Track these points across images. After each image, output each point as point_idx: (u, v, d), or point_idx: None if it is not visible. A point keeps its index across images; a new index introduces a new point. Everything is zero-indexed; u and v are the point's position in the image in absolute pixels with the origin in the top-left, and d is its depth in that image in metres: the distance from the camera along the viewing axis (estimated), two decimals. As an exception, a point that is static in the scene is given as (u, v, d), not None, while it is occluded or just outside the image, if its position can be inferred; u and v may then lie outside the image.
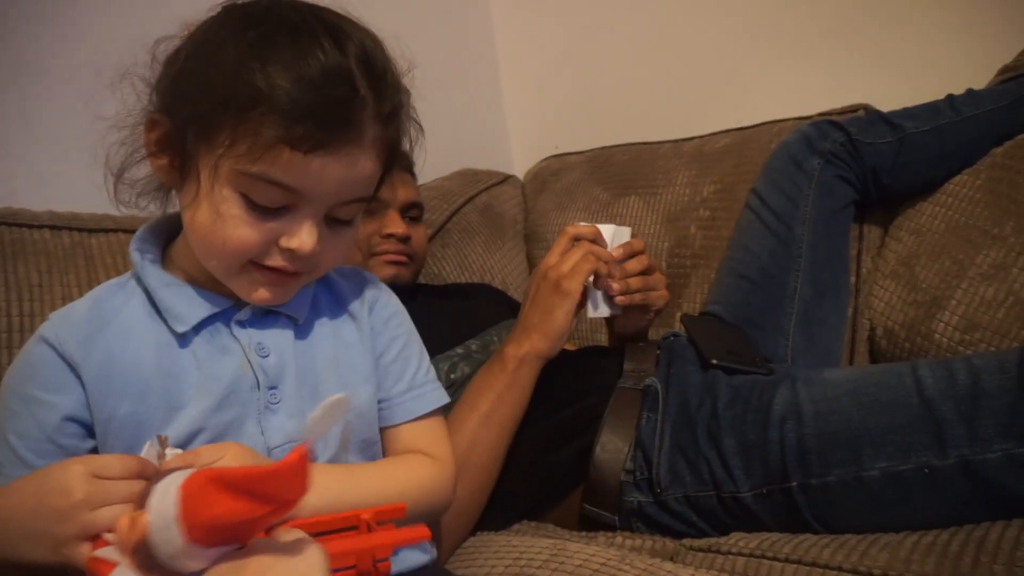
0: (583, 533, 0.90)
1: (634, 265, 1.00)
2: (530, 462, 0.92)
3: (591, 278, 0.95)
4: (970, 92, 1.16)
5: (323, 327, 0.68)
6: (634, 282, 0.98)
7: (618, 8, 1.68)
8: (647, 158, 1.51)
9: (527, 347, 0.90)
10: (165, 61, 0.61)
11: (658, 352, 1.02)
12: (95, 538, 0.50)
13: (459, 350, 1.02)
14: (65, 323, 0.62)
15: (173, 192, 0.65)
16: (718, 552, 0.76)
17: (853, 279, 1.20)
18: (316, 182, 0.58)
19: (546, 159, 1.75)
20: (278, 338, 0.65)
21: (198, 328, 0.63)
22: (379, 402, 0.70)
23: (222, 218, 0.58)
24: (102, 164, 0.64)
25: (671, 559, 0.79)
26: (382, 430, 0.71)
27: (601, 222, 1.01)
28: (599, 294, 0.97)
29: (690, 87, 1.61)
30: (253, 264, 0.61)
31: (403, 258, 1.11)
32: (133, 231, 0.68)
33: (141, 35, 0.62)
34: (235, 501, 0.40)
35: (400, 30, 0.63)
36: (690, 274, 1.34)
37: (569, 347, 1.05)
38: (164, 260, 0.67)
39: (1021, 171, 1.05)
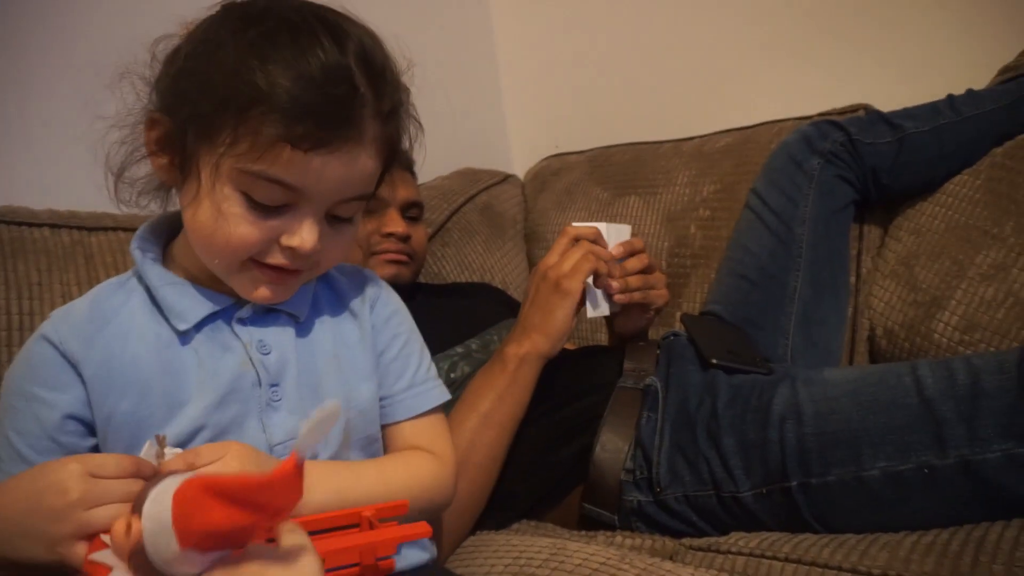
0: (583, 532, 0.90)
1: (634, 264, 1.00)
2: (530, 461, 0.92)
3: (591, 277, 0.95)
4: (970, 92, 1.16)
5: (324, 325, 0.68)
6: (634, 280, 0.98)
7: (618, 8, 1.68)
8: (647, 158, 1.51)
9: (527, 347, 0.90)
10: (165, 60, 0.61)
11: (658, 351, 1.02)
12: (91, 537, 0.50)
13: (459, 349, 1.02)
14: (66, 321, 0.62)
15: (173, 191, 0.65)
16: (718, 551, 0.76)
17: (853, 279, 1.20)
18: (316, 180, 0.58)
19: (546, 159, 1.75)
20: (279, 336, 0.65)
21: (199, 326, 0.63)
22: (380, 399, 0.70)
23: (223, 216, 0.58)
24: (102, 163, 0.64)
25: (671, 558, 0.79)
26: (383, 427, 0.71)
27: (601, 221, 1.00)
28: (599, 293, 0.97)
29: (690, 87, 1.61)
30: (254, 262, 0.61)
31: (403, 257, 1.11)
32: (133, 230, 0.68)
33: (141, 34, 0.62)
34: (228, 509, 0.40)
35: (400, 29, 0.63)
36: (690, 274, 1.34)
37: (569, 346, 1.05)
38: (165, 258, 0.67)
39: (1021, 171, 1.05)
